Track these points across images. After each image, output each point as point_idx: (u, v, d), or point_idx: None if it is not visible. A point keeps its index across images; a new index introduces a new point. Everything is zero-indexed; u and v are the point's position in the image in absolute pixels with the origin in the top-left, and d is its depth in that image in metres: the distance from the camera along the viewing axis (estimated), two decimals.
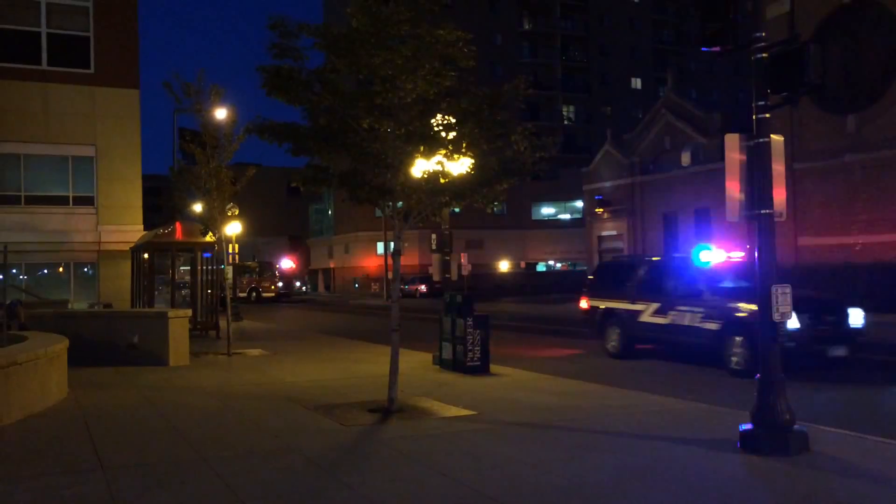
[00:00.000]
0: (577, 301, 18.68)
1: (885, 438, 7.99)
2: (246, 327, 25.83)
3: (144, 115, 24.94)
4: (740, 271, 14.80)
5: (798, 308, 12.76)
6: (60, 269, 24.15)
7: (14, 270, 22.25)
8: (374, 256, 64.44)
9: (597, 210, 40.91)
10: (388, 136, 9.48)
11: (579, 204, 57.53)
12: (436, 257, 30.61)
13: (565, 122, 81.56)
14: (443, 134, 9.55)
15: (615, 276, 17.56)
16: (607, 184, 40.35)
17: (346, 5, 9.83)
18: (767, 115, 7.56)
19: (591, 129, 78.58)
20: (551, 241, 69.51)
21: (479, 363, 13.36)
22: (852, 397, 11.42)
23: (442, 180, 9.63)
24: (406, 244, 54.31)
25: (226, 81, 17.48)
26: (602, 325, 16.75)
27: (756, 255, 7.68)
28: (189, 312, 17.49)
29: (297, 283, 64.39)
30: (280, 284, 59.04)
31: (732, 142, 7.65)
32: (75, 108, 22.87)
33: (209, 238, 18.60)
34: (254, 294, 55.60)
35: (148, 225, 24.38)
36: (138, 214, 23.72)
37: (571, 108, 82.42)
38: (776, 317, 7.39)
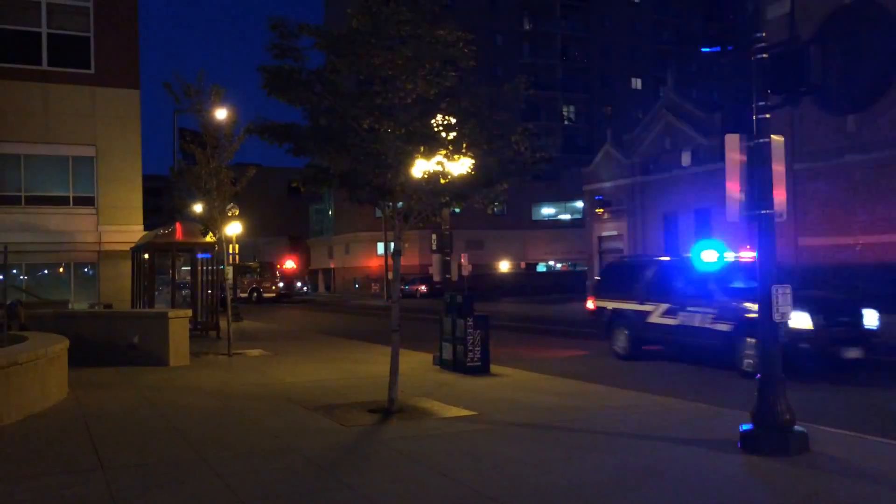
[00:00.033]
0: (579, 301, 18.62)
1: (885, 439, 7.98)
2: (246, 327, 25.83)
3: (145, 116, 24.92)
4: (751, 271, 14.69)
5: (812, 309, 12.59)
6: (61, 270, 24.15)
7: (14, 271, 22.25)
8: (375, 257, 64.45)
9: (597, 210, 40.90)
10: (389, 137, 9.47)
11: (579, 204, 57.53)
12: (436, 258, 30.60)
13: (565, 123, 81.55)
14: (443, 134, 9.54)
15: (623, 276, 17.37)
16: (607, 184, 40.35)
17: (346, 6, 9.83)
18: (768, 116, 7.56)
19: (591, 130, 78.59)
20: (551, 242, 69.48)
21: (479, 363, 13.36)
22: (865, 399, 11.29)
23: (442, 180, 9.62)
24: (406, 244, 54.19)
25: (226, 81, 17.47)
26: (609, 326, 16.60)
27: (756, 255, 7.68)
28: (189, 313, 17.49)
29: (299, 284, 64.38)
30: (281, 285, 59.05)
31: (733, 142, 7.65)
32: (76, 108, 22.87)
33: (209, 238, 18.59)
34: (255, 294, 55.60)
35: (148, 225, 24.38)
36: (139, 215, 23.71)
37: (572, 109, 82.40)
38: (776, 317, 7.39)
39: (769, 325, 7.50)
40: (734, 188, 7.61)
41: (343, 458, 7.52)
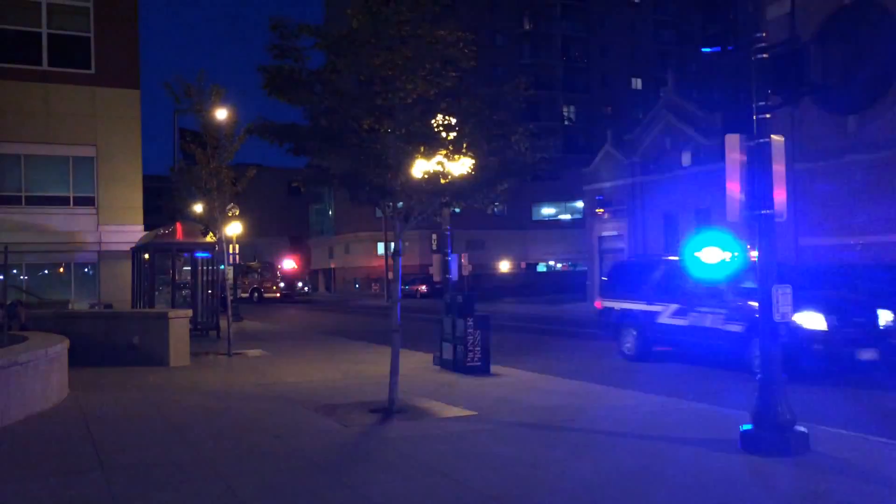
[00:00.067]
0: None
1: (885, 439, 7.98)
2: (246, 328, 25.82)
3: (145, 116, 24.99)
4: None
5: (826, 309, 12.39)
6: (61, 270, 24.15)
7: (14, 271, 22.24)
8: (375, 257, 64.45)
9: (597, 210, 40.85)
10: (389, 137, 9.47)
11: (580, 204, 57.51)
12: (436, 257, 30.59)
13: (566, 123, 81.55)
14: (443, 134, 9.54)
15: (631, 276, 17.13)
16: (608, 184, 40.30)
17: (346, 6, 9.83)
18: (768, 116, 7.56)
19: (591, 130, 78.53)
20: (552, 242, 69.48)
21: (479, 363, 13.35)
22: (877, 401, 11.12)
23: (442, 181, 9.62)
24: (407, 244, 54.35)
25: (226, 81, 17.45)
26: (617, 326, 16.35)
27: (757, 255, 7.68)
28: (189, 313, 17.50)
29: (300, 284, 64.38)
30: (282, 285, 59.08)
31: (733, 142, 7.65)
32: (76, 108, 22.86)
33: (210, 238, 18.59)
34: (256, 294, 55.64)
35: (148, 225, 24.37)
36: (139, 215, 23.71)
37: (572, 109, 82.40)
38: (777, 317, 7.39)
39: (769, 325, 7.49)
40: (734, 188, 7.60)
41: (344, 459, 7.52)
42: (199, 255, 23.00)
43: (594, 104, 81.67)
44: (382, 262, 57.47)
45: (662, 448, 7.73)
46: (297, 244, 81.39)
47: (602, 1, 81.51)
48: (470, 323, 13.40)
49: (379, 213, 11.88)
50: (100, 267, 23.40)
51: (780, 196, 7.56)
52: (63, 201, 23.03)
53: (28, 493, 6.41)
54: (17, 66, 22.25)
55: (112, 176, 23.25)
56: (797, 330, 12.05)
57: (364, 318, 35.85)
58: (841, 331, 12.38)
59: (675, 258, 16.66)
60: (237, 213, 24.29)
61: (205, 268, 23.33)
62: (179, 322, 15.34)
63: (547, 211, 73.14)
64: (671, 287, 15.15)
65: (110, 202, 23.23)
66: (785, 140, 7.87)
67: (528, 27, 79.65)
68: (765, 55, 7.50)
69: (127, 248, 22.67)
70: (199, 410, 10.19)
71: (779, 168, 7.60)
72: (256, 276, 57.34)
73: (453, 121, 9.60)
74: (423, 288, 53.25)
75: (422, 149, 9.45)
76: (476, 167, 9.65)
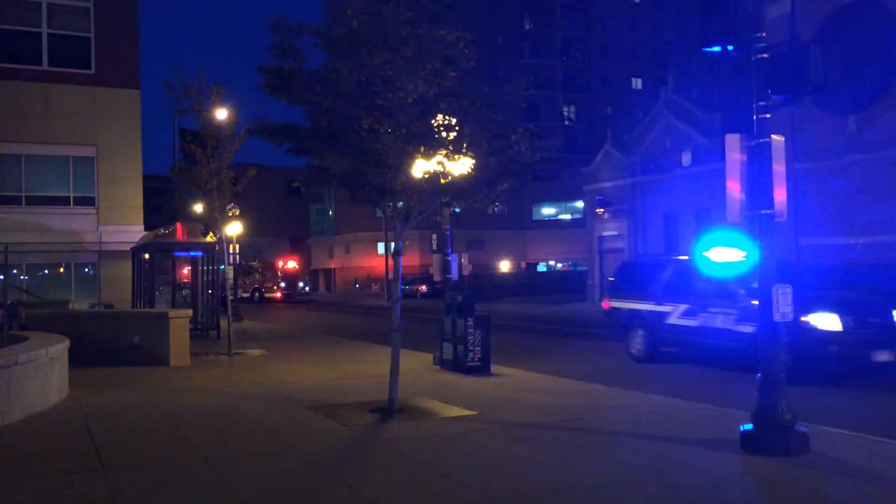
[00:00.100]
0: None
1: (886, 439, 7.98)
2: (247, 327, 25.83)
3: (145, 116, 24.94)
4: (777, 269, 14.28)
5: (841, 310, 12.14)
6: (61, 270, 24.16)
7: (15, 271, 22.24)
8: (375, 256, 64.46)
9: (597, 210, 40.84)
10: (389, 137, 9.47)
11: (580, 204, 57.51)
12: (436, 257, 30.62)
13: (566, 123, 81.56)
14: (443, 134, 9.54)
15: (639, 276, 16.87)
16: (608, 184, 40.30)
17: (346, 6, 9.82)
18: (768, 116, 7.56)
19: (591, 130, 78.55)
20: (552, 242, 69.48)
21: (479, 363, 13.35)
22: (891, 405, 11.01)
23: (442, 180, 9.62)
24: (407, 244, 54.33)
25: (227, 81, 17.44)
26: (625, 327, 16.09)
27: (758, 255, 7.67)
28: (190, 313, 17.50)
29: (301, 284, 64.41)
30: (283, 285, 59.11)
31: (733, 142, 7.65)
32: (76, 108, 22.87)
33: (210, 238, 18.60)
34: (257, 294, 55.68)
35: (149, 225, 24.38)
36: (139, 215, 23.73)
37: (572, 109, 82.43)
38: (777, 317, 7.39)
39: (770, 325, 7.49)
40: (735, 188, 7.60)
41: (344, 458, 7.52)
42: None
43: (594, 104, 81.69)
44: (382, 261, 57.48)
45: (662, 448, 7.73)
46: (297, 244, 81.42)
47: (602, 1, 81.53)
48: (470, 323, 13.39)
49: (379, 213, 11.88)
50: (100, 267, 23.41)
51: (780, 196, 7.56)
52: (63, 201, 23.04)
53: (28, 493, 6.41)
54: (18, 66, 22.27)
55: (112, 176, 23.26)
56: (812, 331, 11.93)
57: (364, 317, 35.86)
58: (856, 332, 12.09)
59: (685, 258, 16.35)
60: (237, 213, 24.35)
61: (205, 267, 23.31)
62: (180, 322, 15.34)
63: (547, 211, 73.13)
64: (680, 287, 14.89)
65: (110, 202, 23.24)
66: (785, 140, 7.87)
67: (528, 27, 79.68)
68: (765, 55, 7.50)
69: (127, 247, 22.68)
70: (200, 410, 10.19)
71: (779, 168, 7.60)
72: (257, 276, 57.39)
73: (453, 121, 9.60)
74: (424, 288, 53.25)
75: (422, 149, 9.45)
76: (476, 167, 9.65)
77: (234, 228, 26.45)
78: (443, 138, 9.50)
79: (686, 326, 14.43)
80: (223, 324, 19.06)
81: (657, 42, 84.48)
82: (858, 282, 15.68)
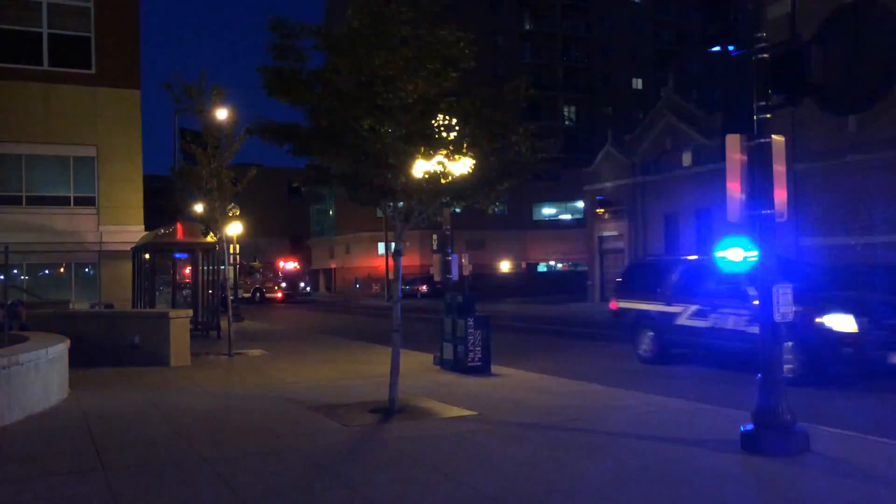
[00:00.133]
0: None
1: (887, 439, 7.98)
2: (247, 328, 25.84)
3: (146, 116, 25.02)
4: (787, 270, 14.10)
5: (856, 311, 11.92)
6: (62, 270, 24.17)
7: (15, 271, 22.25)
8: (376, 257, 64.46)
9: (598, 210, 40.86)
10: (389, 137, 9.48)
11: (580, 204, 57.52)
12: (437, 257, 30.59)
13: (566, 123, 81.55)
14: (444, 134, 9.54)
15: (648, 276, 16.57)
16: (608, 184, 40.32)
17: (347, 6, 9.83)
18: (768, 116, 7.56)
19: (592, 130, 78.50)
20: (552, 242, 69.48)
21: (480, 363, 13.35)
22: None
23: (443, 181, 9.61)
24: (407, 244, 54.31)
25: (227, 81, 17.50)
26: (634, 328, 15.87)
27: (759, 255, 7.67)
28: (190, 313, 17.51)
29: (302, 285, 64.44)
30: (284, 285, 59.17)
31: (733, 142, 7.65)
32: (76, 108, 22.88)
33: (210, 238, 18.60)
34: (258, 295, 55.72)
35: (149, 225, 24.39)
36: (139, 215, 23.73)
37: (573, 109, 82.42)
38: (777, 317, 7.39)
39: (770, 325, 7.49)
40: (735, 188, 7.60)
41: (344, 458, 7.52)
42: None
43: (595, 104, 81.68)
44: (383, 262, 57.49)
45: (662, 448, 7.73)
46: (297, 244, 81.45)
47: (603, 1, 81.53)
48: (470, 323, 13.40)
49: (379, 214, 11.89)
50: (100, 267, 23.42)
51: (780, 196, 7.56)
52: (64, 201, 23.05)
53: (29, 492, 6.41)
54: (18, 67, 22.27)
55: (113, 176, 23.27)
56: (827, 333, 11.78)
57: (364, 318, 35.87)
58: (872, 333, 11.86)
59: (695, 257, 16.05)
60: (238, 214, 24.35)
61: (205, 267, 23.33)
62: (180, 322, 15.35)
63: (547, 211, 73.13)
64: (691, 287, 14.68)
65: (111, 202, 23.24)
66: (785, 140, 7.87)
67: (528, 27, 79.68)
68: (765, 55, 7.50)
69: (127, 247, 22.69)
70: (200, 410, 10.19)
71: (779, 168, 7.60)
72: (258, 276, 57.47)
73: (454, 121, 9.60)
74: (424, 288, 53.28)
75: (422, 149, 9.45)
76: (476, 167, 9.65)
77: (234, 228, 26.48)
78: (443, 138, 9.50)
79: (697, 327, 14.18)
80: (223, 324, 19.06)
81: (657, 42, 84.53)
82: (875, 282, 15.37)
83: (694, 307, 14.32)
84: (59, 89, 22.62)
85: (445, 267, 25.05)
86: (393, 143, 9.45)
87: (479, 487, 6.39)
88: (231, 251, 25.15)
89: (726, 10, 7.58)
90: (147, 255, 21.64)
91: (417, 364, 14.32)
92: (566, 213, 71.90)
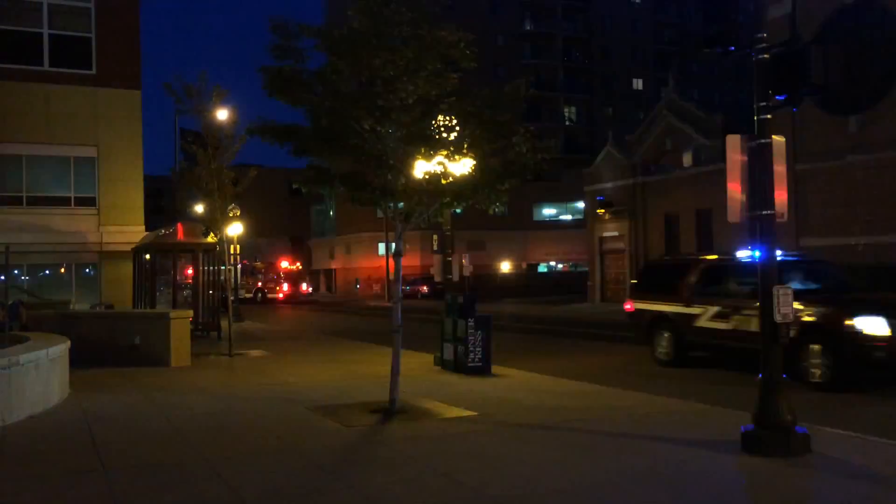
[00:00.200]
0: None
1: (887, 440, 7.97)
2: (248, 328, 25.84)
3: (146, 116, 25.03)
4: (809, 271, 13.63)
5: (889, 313, 11.50)
6: (62, 270, 24.17)
7: (16, 271, 22.26)
8: (376, 257, 64.43)
9: (598, 211, 40.84)
10: (390, 137, 9.48)
11: (581, 205, 57.45)
12: (437, 258, 30.57)
13: (567, 123, 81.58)
14: (444, 135, 9.54)
15: (665, 276, 16.11)
16: (609, 185, 40.31)
17: (347, 6, 9.84)
18: (769, 116, 7.56)
19: (592, 130, 78.61)
20: (553, 242, 69.44)
21: (480, 364, 13.34)
22: None
23: (443, 181, 9.62)
24: (408, 245, 54.33)
25: (228, 82, 17.52)
26: (650, 329, 15.41)
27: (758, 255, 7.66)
28: (190, 313, 17.50)
29: (304, 285, 64.47)
30: (285, 286, 59.22)
31: (734, 143, 7.65)
32: (77, 109, 22.88)
33: (211, 239, 18.61)
34: (259, 295, 55.78)
35: (150, 226, 24.40)
36: (140, 215, 23.73)
37: (573, 109, 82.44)
38: (778, 318, 7.39)
39: (770, 326, 7.48)
40: (735, 189, 7.60)
41: (344, 459, 7.52)
42: None
43: (595, 105, 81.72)
44: (383, 262, 57.47)
45: (663, 448, 7.73)
46: (298, 244, 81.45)
47: (603, 1, 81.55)
48: (471, 323, 13.39)
49: (380, 214, 11.89)
50: (101, 267, 23.42)
51: (780, 196, 7.56)
52: (64, 202, 23.05)
53: (29, 493, 6.41)
54: (19, 67, 22.28)
55: (113, 176, 23.27)
56: (857, 335, 11.41)
57: (365, 318, 35.87)
58: None
59: (715, 257, 15.70)
60: (238, 214, 24.37)
61: (206, 268, 23.33)
62: (180, 322, 15.35)
63: (548, 211, 73.10)
64: (711, 288, 14.27)
65: (111, 203, 23.25)
66: (786, 140, 7.86)
67: (529, 28, 79.72)
68: (765, 56, 7.49)
69: (128, 248, 22.69)
70: (201, 411, 10.19)
71: (780, 168, 7.60)
72: (260, 276, 57.57)
73: (454, 121, 9.60)
74: (425, 288, 53.28)
75: (423, 149, 9.46)
76: (477, 168, 9.65)
77: (234, 229, 26.49)
78: (444, 139, 9.50)
79: (717, 329, 13.74)
80: (224, 324, 19.06)
81: (658, 42, 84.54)
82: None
83: (715, 308, 13.85)
84: (60, 90, 22.62)
85: (446, 267, 25.00)
86: (393, 144, 9.45)
87: (480, 488, 6.39)
88: (232, 251, 25.12)
89: (727, 11, 7.57)
90: (148, 256, 21.64)
91: (418, 364, 14.32)
92: (567, 213, 71.86)
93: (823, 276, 14.11)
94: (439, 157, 9.49)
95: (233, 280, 32.50)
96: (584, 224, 46.70)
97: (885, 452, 7.55)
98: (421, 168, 9.57)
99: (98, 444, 8.10)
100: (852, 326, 11.54)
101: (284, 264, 65.16)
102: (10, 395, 9.28)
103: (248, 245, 54.01)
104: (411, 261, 58.53)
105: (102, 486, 6.55)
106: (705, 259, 15.75)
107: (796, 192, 26.58)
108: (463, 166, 9.57)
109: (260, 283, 57.07)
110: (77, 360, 12.31)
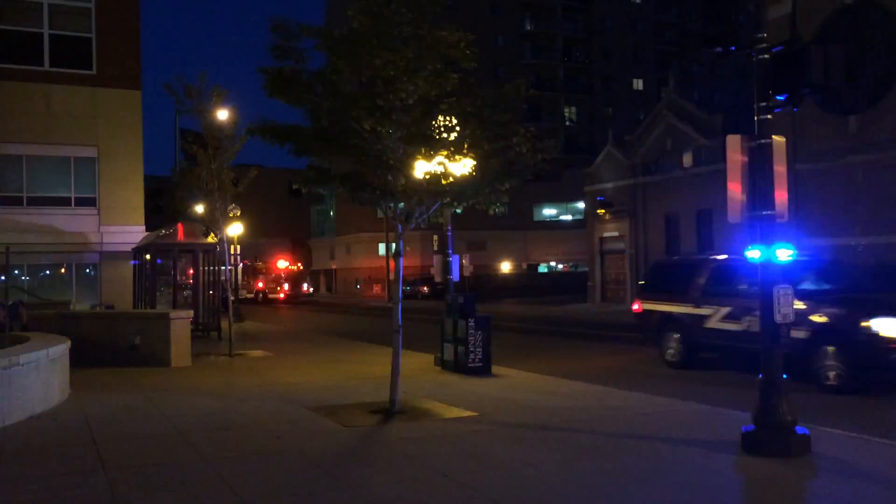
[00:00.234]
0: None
1: (887, 440, 7.97)
2: (248, 328, 25.84)
3: (146, 116, 25.05)
4: (822, 272, 13.52)
5: None
6: (62, 270, 24.17)
7: (16, 271, 22.27)
8: (376, 257, 64.46)
9: (598, 211, 40.82)
10: (390, 138, 9.48)
11: (581, 205, 57.49)
12: (437, 258, 30.55)
13: (567, 123, 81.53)
14: (444, 135, 9.54)
15: (674, 277, 15.87)
16: (609, 185, 40.30)
17: (347, 6, 9.83)
18: (769, 116, 7.56)
19: (592, 131, 78.58)
20: (553, 243, 69.46)
21: (480, 364, 13.34)
22: None
23: (444, 181, 9.62)
24: (408, 245, 54.35)
25: (228, 82, 17.53)
26: (659, 330, 15.21)
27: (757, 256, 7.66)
28: (191, 313, 17.50)
29: (305, 286, 64.52)
30: (286, 286, 59.25)
31: (734, 143, 7.64)
32: (77, 109, 22.90)
33: (211, 239, 18.61)
34: (260, 295, 55.82)
35: (150, 226, 24.40)
36: (140, 215, 23.74)
37: (573, 109, 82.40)
38: (778, 318, 7.39)
39: (770, 326, 7.48)
40: (736, 189, 7.60)
41: (345, 459, 7.52)
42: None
43: (595, 105, 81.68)
44: (384, 262, 57.48)
45: (664, 449, 7.73)
46: (298, 245, 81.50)
47: (603, 1, 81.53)
48: (471, 324, 13.39)
49: (380, 214, 11.88)
50: (101, 267, 23.43)
51: (781, 197, 7.56)
52: (64, 202, 23.05)
53: (30, 493, 6.41)
54: (19, 67, 22.29)
55: (113, 176, 23.27)
56: (874, 337, 11.22)
57: (365, 318, 35.87)
58: None
59: (725, 256, 15.45)
60: (238, 214, 24.35)
61: (207, 268, 23.33)
62: (181, 323, 15.35)
63: (548, 212, 73.11)
64: (722, 288, 14.01)
65: (112, 203, 23.25)
66: (786, 140, 7.86)
67: (529, 28, 79.68)
68: (766, 56, 7.49)
69: (128, 248, 22.70)
70: (201, 411, 10.19)
71: (780, 169, 7.60)
72: (260, 276, 57.63)
73: (454, 121, 9.60)
74: (425, 289, 53.29)
75: (423, 150, 9.45)
76: (477, 168, 9.65)
77: (235, 229, 26.47)
78: (444, 139, 9.50)
79: (728, 331, 13.53)
80: (224, 324, 19.06)
81: (658, 42, 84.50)
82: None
83: (726, 309, 13.64)
84: (60, 90, 22.63)
85: (446, 268, 24.99)
86: (393, 144, 9.45)
87: (480, 488, 6.39)
88: (232, 252, 25.12)
89: (727, 11, 7.57)
90: (148, 256, 21.64)
91: (418, 365, 14.32)
92: (567, 213, 71.88)
93: (837, 276, 13.86)
94: (439, 158, 9.48)
95: (233, 280, 32.51)
96: (584, 224, 46.69)
97: (886, 453, 7.55)
98: (421, 168, 9.57)
99: (98, 445, 8.10)
100: (868, 328, 11.32)
101: (285, 264, 65.18)
102: (10, 395, 9.28)
103: (249, 245, 54.00)
104: (411, 261, 58.55)
105: (103, 487, 6.55)
106: (715, 259, 15.50)
107: (796, 193, 26.58)
108: (463, 166, 9.57)
109: (260, 284, 57.10)
110: (77, 361, 12.30)
